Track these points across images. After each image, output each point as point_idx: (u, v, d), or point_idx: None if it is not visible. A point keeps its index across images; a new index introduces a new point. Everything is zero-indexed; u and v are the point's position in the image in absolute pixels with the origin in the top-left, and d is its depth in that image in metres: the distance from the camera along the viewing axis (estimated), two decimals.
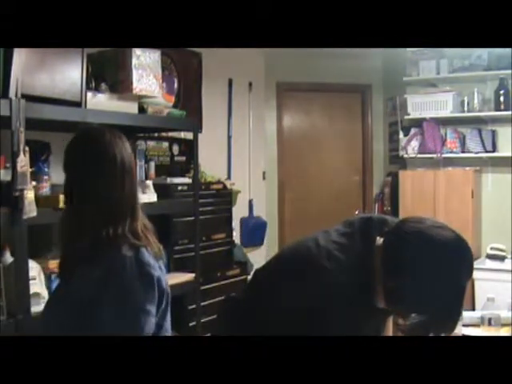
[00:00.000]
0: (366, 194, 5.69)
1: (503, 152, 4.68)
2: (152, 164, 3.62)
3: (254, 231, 5.04)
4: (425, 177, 4.80)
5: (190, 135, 3.82)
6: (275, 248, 5.19)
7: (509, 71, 4.47)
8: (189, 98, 4.28)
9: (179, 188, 3.58)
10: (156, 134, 3.99)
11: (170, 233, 3.55)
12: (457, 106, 4.74)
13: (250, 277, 4.02)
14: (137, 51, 2.98)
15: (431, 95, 4.82)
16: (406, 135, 4.99)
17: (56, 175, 2.49)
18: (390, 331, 1.74)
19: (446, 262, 1.38)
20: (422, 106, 4.82)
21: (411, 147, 4.94)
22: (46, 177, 2.62)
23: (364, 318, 1.48)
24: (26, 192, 2.28)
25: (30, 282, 2.35)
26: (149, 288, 1.47)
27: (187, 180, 3.69)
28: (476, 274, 4.17)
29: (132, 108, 3.05)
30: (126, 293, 1.43)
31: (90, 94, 2.79)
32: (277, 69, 5.29)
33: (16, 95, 2.33)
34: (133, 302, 1.44)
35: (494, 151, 4.71)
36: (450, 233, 1.42)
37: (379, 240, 1.49)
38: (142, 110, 3.14)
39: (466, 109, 4.73)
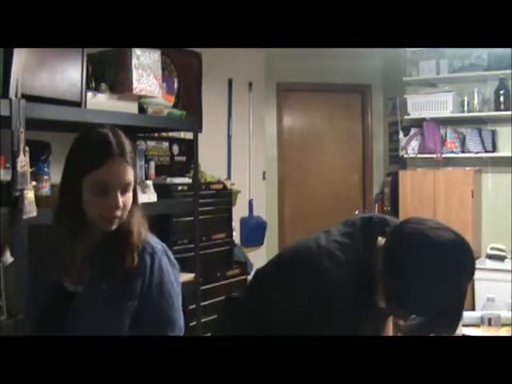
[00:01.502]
0: (366, 193, 5.69)
1: (503, 152, 4.68)
2: (152, 164, 3.62)
3: (254, 231, 5.04)
4: (425, 177, 4.81)
5: (190, 135, 3.82)
6: (275, 248, 5.19)
7: (509, 71, 4.47)
8: (189, 98, 4.28)
9: (179, 188, 3.59)
10: (156, 134, 3.99)
11: (169, 233, 3.55)
12: (457, 106, 4.74)
13: (250, 277, 4.02)
14: (137, 51, 2.98)
15: (431, 95, 4.82)
16: (406, 135, 4.99)
17: (56, 175, 2.49)
18: (390, 331, 1.74)
19: (447, 263, 1.38)
20: (422, 105, 4.82)
21: (411, 147, 4.94)
22: (46, 177, 2.62)
23: (364, 318, 1.48)
24: (26, 192, 2.28)
25: None
26: (178, 275, 1.54)
27: (187, 180, 3.69)
28: (476, 274, 4.13)
29: (132, 108, 3.06)
30: (171, 281, 1.49)
31: (90, 94, 2.80)
32: (277, 69, 5.29)
33: (16, 95, 2.33)
34: (176, 289, 1.50)
35: (493, 151, 4.72)
36: (451, 234, 1.41)
37: (381, 240, 1.49)
38: (142, 110, 3.14)
39: (465, 109, 4.73)
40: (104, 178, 1.38)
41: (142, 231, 1.48)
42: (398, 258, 1.42)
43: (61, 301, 1.47)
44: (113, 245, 1.45)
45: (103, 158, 1.38)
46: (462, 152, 4.80)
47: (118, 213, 1.41)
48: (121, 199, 1.40)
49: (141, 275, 1.45)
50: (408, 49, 4.78)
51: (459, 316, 1.45)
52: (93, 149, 1.41)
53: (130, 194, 1.44)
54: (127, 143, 1.45)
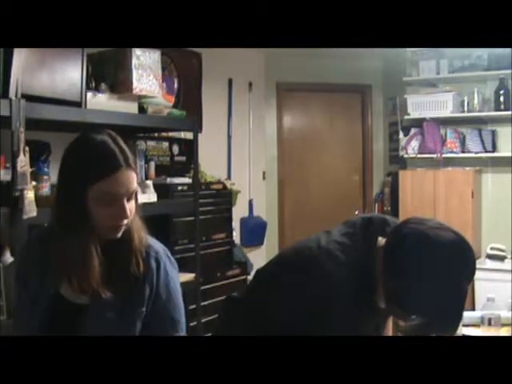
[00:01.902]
0: (366, 194, 5.69)
1: (503, 152, 4.68)
2: (152, 164, 3.62)
3: (254, 231, 5.04)
4: (425, 177, 4.81)
5: (190, 135, 3.82)
6: (275, 248, 5.19)
7: (509, 71, 4.47)
8: (189, 97, 4.28)
9: (179, 188, 3.59)
10: (156, 134, 3.99)
11: (169, 233, 3.55)
12: (457, 106, 4.74)
13: (250, 277, 4.02)
14: (137, 51, 2.98)
15: (431, 95, 4.81)
16: (406, 135, 4.99)
17: (56, 175, 2.49)
18: (390, 331, 1.74)
19: (448, 263, 1.38)
20: (422, 105, 4.82)
21: (411, 147, 4.94)
22: (46, 177, 2.62)
23: (364, 318, 1.48)
24: (26, 192, 2.28)
25: None
26: (178, 275, 1.57)
27: (187, 180, 3.69)
28: (476, 274, 4.14)
29: (132, 108, 3.06)
30: (174, 282, 1.52)
31: (90, 94, 2.79)
32: (277, 69, 5.29)
33: (16, 95, 2.33)
34: (179, 290, 1.54)
35: (493, 151, 4.71)
36: (451, 234, 1.41)
37: (381, 241, 1.48)
38: (142, 110, 3.14)
39: (465, 109, 4.73)
40: (111, 188, 1.34)
41: (142, 235, 1.47)
42: (398, 258, 1.42)
43: (64, 312, 1.44)
44: (117, 253, 1.42)
45: (109, 170, 1.34)
46: (462, 152, 4.80)
47: (126, 221, 1.39)
48: (127, 207, 1.38)
49: (148, 281, 1.45)
50: (408, 49, 4.78)
51: (459, 316, 1.45)
52: (96, 160, 1.35)
53: (134, 200, 1.42)
54: (127, 148, 1.41)
